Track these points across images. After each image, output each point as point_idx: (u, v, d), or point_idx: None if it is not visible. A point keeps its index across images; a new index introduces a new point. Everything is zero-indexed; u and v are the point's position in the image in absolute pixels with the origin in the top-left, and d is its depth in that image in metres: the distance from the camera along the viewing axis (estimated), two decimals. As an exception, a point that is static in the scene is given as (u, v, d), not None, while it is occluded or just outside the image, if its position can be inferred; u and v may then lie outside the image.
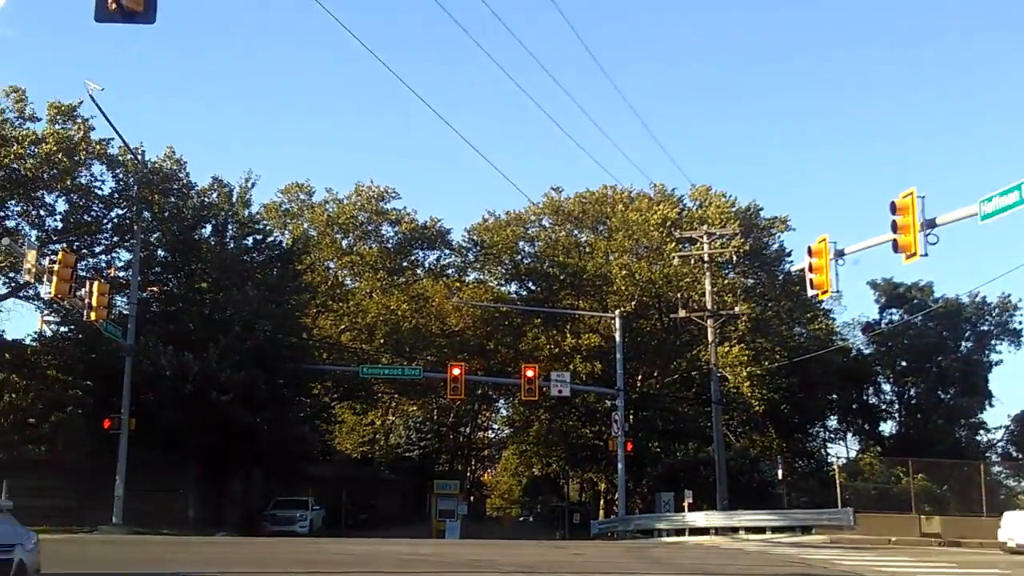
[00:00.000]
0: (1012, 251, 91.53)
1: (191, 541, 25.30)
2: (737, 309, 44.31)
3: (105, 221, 36.73)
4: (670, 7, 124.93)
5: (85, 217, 35.95)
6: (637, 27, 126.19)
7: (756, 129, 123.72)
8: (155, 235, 38.47)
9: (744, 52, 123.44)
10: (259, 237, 42.29)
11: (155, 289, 38.52)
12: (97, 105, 30.55)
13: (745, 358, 46.10)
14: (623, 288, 49.97)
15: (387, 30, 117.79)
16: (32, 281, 28.34)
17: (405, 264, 57.64)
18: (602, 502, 56.24)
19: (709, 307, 42.09)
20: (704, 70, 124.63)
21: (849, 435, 63.25)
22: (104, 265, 37.31)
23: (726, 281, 49.28)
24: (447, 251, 58.34)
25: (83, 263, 34.97)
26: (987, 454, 57.00)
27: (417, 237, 56.51)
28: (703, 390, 48.52)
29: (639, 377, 52.86)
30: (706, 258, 42.28)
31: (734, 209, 51.77)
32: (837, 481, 38.16)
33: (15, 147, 31.69)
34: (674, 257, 45.81)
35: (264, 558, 17.82)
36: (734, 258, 46.96)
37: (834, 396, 59.78)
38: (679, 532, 36.47)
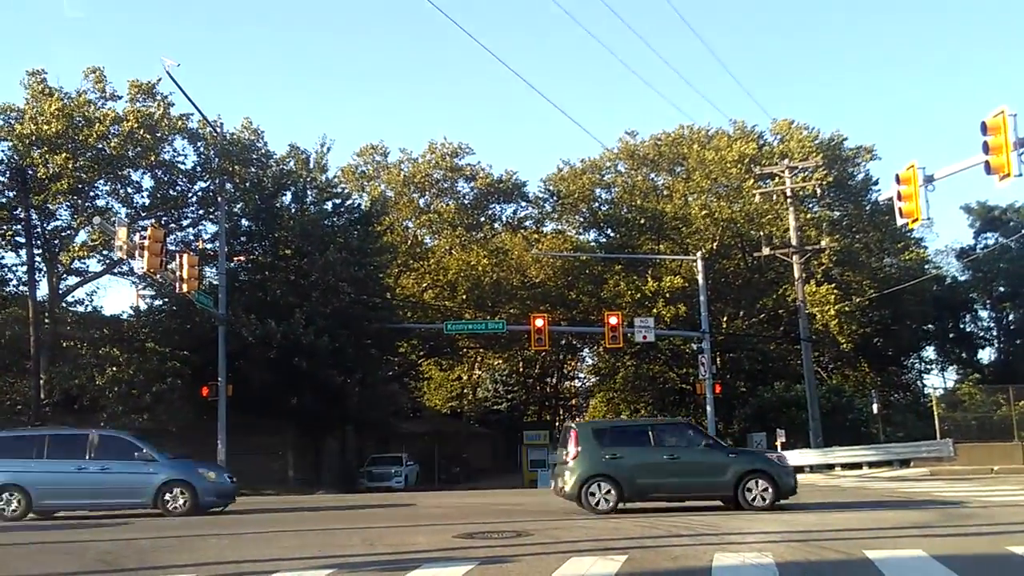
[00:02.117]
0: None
1: (299, 501, 26.13)
2: (823, 243, 43.28)
3: (190, 195, 37.73)
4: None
5: (171, 192, 36.98)
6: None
7: (836, 57, 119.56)
8: (238, 205, 39.37)
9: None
10: (338, 201, 42.91)
11: (242, 258, 39.51)
12: (175, 81, 31.20)
13: (833, 297, 45.10)
14: (703, 229, 49.29)
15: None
16: (125, 257, 29.33)
17: (482, 219, 57.84)
18: (693, 445, 56.00)
19: (794, 243, 41.20)
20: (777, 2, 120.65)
21: (947, 365, 61.76)
22: (192, 238, 38.46)
23: (810, 216, 48.16)
24: (523, 203, 58.37)
25: (172, 237, 36.09)
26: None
27: (493, 191, 56.58)
28: (791, 328, 47.73)
29: (724, 318, 52.26)
30: (788, 193, 41.28)
31: (817, 142, 50.43)
32: (935, 412, 37.31)
33: (98, 126, 32.62)
34: (755, 194, 44.87)
35: (376, 513, 18.32)
36: (818, 191, 45.77)
37: (929, 326, 58.31)
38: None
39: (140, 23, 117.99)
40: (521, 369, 67.60)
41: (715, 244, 49.75)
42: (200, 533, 13.92)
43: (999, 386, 40.81)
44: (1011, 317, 57.97)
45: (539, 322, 39.74)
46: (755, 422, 44.81)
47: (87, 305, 37.24)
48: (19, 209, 33.96)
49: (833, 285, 46.67)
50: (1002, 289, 56.91)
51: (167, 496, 18.48)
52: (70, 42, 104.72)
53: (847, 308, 46.08)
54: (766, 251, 41.98)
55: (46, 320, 34.39)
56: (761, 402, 46.48)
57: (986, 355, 59.44)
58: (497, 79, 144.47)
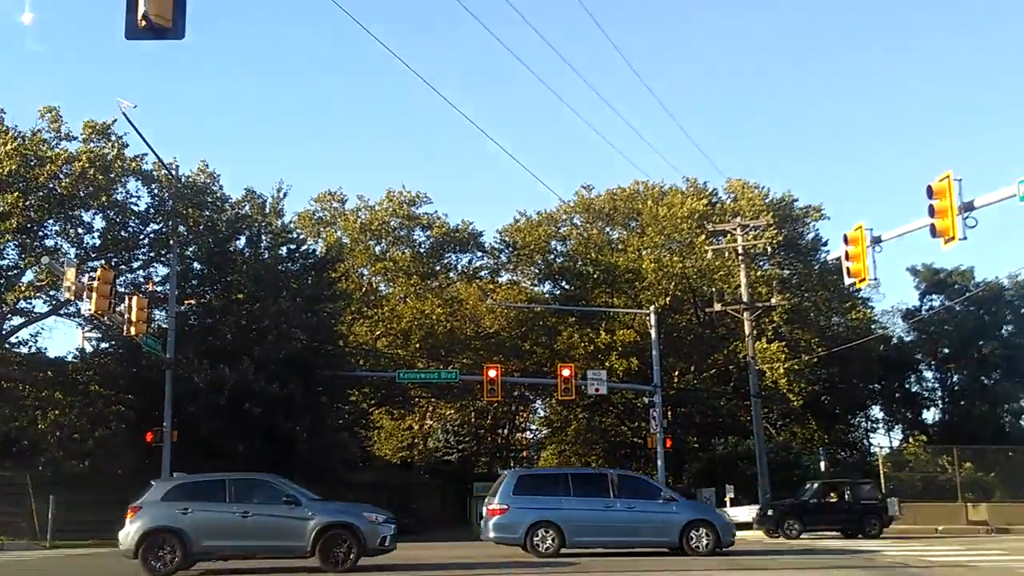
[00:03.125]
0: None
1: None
2: (773, 301, 43.94)
3: (142, 236, 37.23)
4: (696, 2, 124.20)
5: (122, 233, 36.45)
6: (665, 23, 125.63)
7: (788, 120, 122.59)
8: (191, 248, 38.91)
9: (773, 43, 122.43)
10: (293, 247, 42.67)
11: (192, 302, 38.98)
12: (130, 122, 30.95)
13: (782, 355, 45.70)
14: (656, 283, 49.82)
15: (415, 35, 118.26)
16: (72, 298, 28.78)
17: (438, 268, 57.82)
18: (643, 500, 55.88)
19: (745, 300, 41.77)
20: (733, 63, 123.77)
21: (893, 425, 62.60)
22: (142, 280, 37.82)
23: (761, 273, 48.89)
24: (479, 253, 58.49)
25: (121, 279, 35.50)
26: (1033, 439, 56.07)
27: (449, 241, 56.67)
28: (741, 384, 48.16)
29: (676, 372, 52.61)
30: (740, 250, 41.96)
31: (767, 200, 51.41)
32: (881, 471, 37.75)
33: (50, 166, 32.21)
34: (707, 250, 45.53)
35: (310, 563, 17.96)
36: (768, 249, 46.59)
37: (876, 385, 59.17)
38: (722, 527, 36.12)
39: (99, 61, 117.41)
40: (473, 419, 67.15)
41: (668, 299, 50.24)
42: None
43: (944, 447, 41.53)
44: (955, 379, 59.06)
45: (492, 372, 39.73)
46: (705, 477, 44.97)
47: (31, 346, 36.41)
48: (-36, 247, 33.29)
49: (783, 343, 47.29)
50: (947, 351, 58.05)
51: (692, 535, 20.02)
52: (29, 75, 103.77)
53: (796, 366, 46.68)
54: (718, 307, 42.50)
55: (-12, 361, 33.57)
56: (711, 457, 46.69)
57: (931, 416, 60.42)
58: (456, 130, 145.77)
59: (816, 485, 32.56)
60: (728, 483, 39.47)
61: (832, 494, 31.55)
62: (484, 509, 21.51)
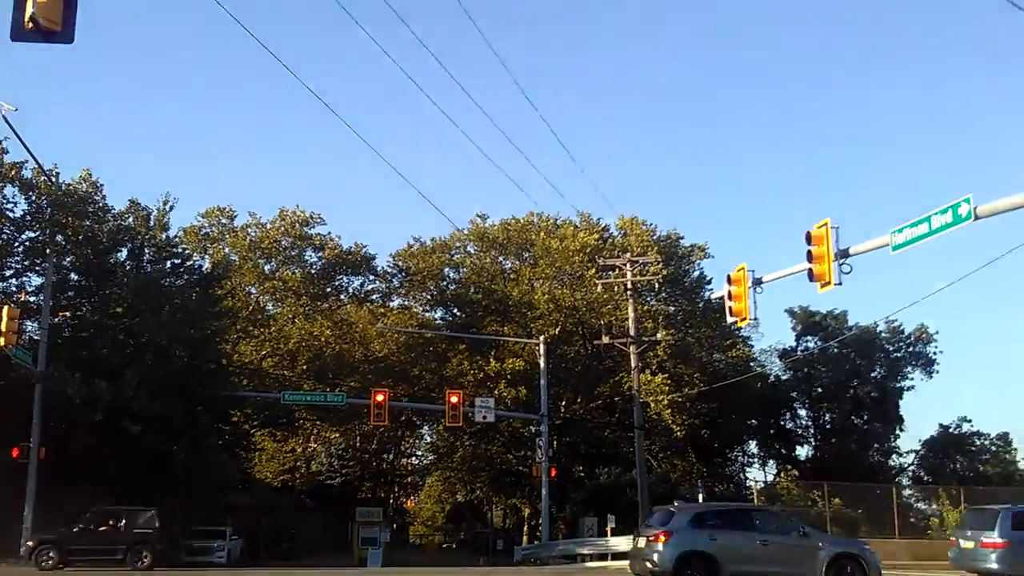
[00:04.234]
0: (924, 279, 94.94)
1: (105, 573, 24.49)
2: (659, 336, 44.92)
3: (16, 244, 35.61)
4: (596, 41, 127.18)
5: (-5, 240, 34.82)
6: (565, 59, 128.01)
7: (677, 161, 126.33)
8: (68, 259, 37.39)
9: (667, 85, 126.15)
10: (177, 261, 41.40)
11: (67, 314, 37.39)
12: (11, 126, 29.58)
13: (666, 387, 46.72)
14: (547, 314, 50.37)
15: (310, 52, 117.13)
16: (-62, 305, 27.32)
17: (329, 290, 57.09)
18: (526, 528, 56.30)
19: (632, 334, 42.60)
20: (629, 103, 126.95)
21: (767, 459, 64.58)
22: (14, 289, 36.10)
23: (647, 308, 49.98)
24: (371, 277, 58.13)
25: (-8, 287, 33.88)
26: (899, 478, 58.75)
27: (341, 263, 56.07)
28: (626, 415, 48.99)
29: (563, 402, 53.19)
30: (628, 285, 42.86)
31: (655, 237, 52.70)
32: (756, 503, 38.89)
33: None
34: (596, 284, 46.34)
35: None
36: (656, 285, 47.73)
37: (753, 421, 60.99)
38: (602, 557, 36.63)
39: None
40: (358, 444, 66.23)
41: (558, 330, 50.85)
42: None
43: (814, 482, 43.05)
44: (827, 417, 61.40)
45: (380, 397, 39.46)
46: (589, 506, 45.43)
47: None
48: None
49: (667, 376, 48.37)
50: (820, 390, 60.36)
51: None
52: None
53: (679, 398, 47.78)
54: (605, 339, 43.22)
55: None
56: (595, 486, 47.22)
57: (803, 452, 62.57)
58: (354, 153, 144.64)
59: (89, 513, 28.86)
60: (610, 512, 39.98)
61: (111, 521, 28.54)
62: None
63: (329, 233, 55.83)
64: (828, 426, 61.24)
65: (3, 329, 26.41)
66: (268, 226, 54.74)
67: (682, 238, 55.31)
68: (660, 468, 52.82)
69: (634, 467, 42.74)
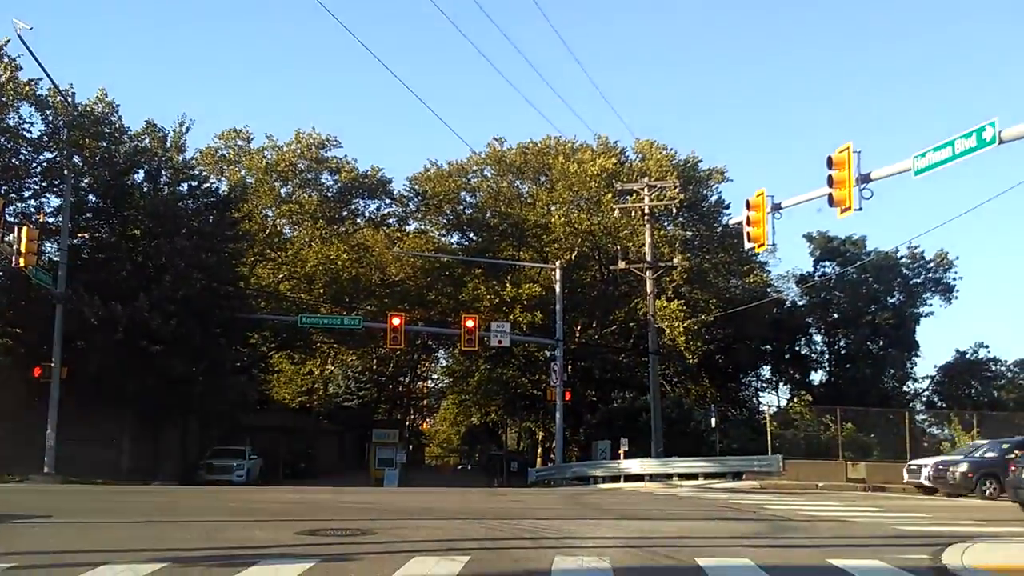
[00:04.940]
0: (946, 206, 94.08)
1: (124, 490, 25.03)
2: (675, 261, 44.79)
3: (34, 165, 35.56)
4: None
5: (13, 160, 34.72)
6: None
7: (698, 83, 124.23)
8: (86, 180, 37.36)
9: (687, 8, 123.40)
10: (194, 184, 41.33)
11: (86, 236, 37.56)
12: (25, 44, 29.61)
13: (681, 313, 46.74)
14: (563, 238, 50.23)
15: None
16: (-43, 226, 27.43)
17: (345, 213, 56.99)
18: (540, 451, 57.11)
19: (648, 259, 42.46)
20: (649, 25, 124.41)
21: (781, 384, 64.93)
22: (33, 210, 36.25)
23: (664, 233, 49.75)
24: (388, 201, 57.91)
25: (11, 208, 33.91)
26: (912, 403, 58.96)
27: (358, 186, 55.85)
28: (641, 341, 49.17)
29: (578, 327, 53.37)
30: (646, 210, 42.54)
31: (673, 162, 52.15)
32: (768, 429, 39.19)
33: (-67, 86, 30.43)
34: (614, 209, 46.05)
35: (199, 507, 17.75)
36: (673, 210, 47.37)
37: (767, 347, 61.16)
38: (615, 479, 37.17)
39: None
40: (375, 367, 67.02)
41: (574, 255, 50.76)
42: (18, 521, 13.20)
43: (827, 407, 43.27)
44: (842, 343, 61.43)
45: (396, 321, 39.64)
46: (603, 430, 45.95)
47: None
48: None
49: (682, 302, 48.37)
50: (835, 316, 60.28)
51: None
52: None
53: (694, 325, 47.84)
54: (622, 265, 43.13)
55: None
56: (609, 411, 47.68)
57: (818, 377, 62.81)
58: (370, 74, 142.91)
59: None
60: (624, 436, 40.43)
61: None
62: None
63: (345, 156, 55.52)
64: (843, 352, 61.31)
65: (23, 250, 26.52)
66: (284, 149, 54.43)
67: (700, 162, 54.77)
68: (674, 393, 53.18)
69: (648, 392, 43.08)
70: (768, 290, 57.95)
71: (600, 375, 53.34)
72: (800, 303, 61.77)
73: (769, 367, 64.45)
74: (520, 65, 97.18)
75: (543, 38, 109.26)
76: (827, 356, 62.52)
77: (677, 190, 45.97)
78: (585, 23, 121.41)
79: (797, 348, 62.44)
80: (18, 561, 9.11)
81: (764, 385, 66.20)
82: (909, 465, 31.70)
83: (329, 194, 55.89)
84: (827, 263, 60.27)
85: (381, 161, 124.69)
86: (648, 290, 42.71)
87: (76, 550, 10.09)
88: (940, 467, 28.61)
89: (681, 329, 46.59)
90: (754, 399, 65.07)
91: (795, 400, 52.14)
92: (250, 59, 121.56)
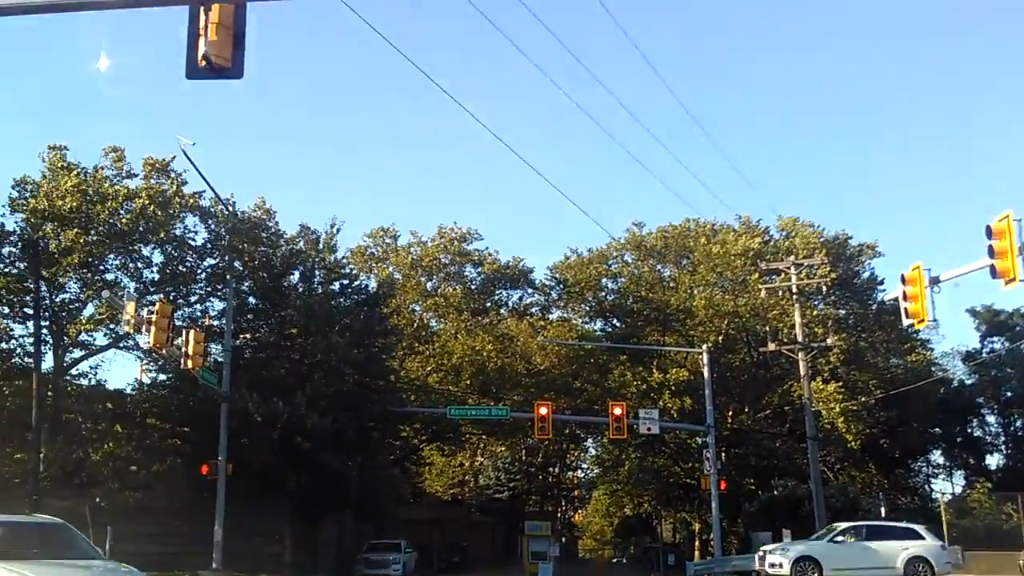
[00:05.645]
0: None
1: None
2: (829, 341, 43.12)
3: (199, 271, 37.77)
4: (751, 39, 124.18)
5: (180, 268, 37.02)
6: (716, 61, 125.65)
7: (839, 159, 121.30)
8: (246, 283, 39.42)
9: (827, 83, 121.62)
10: (345, 282, 43.04)
11: (247, 336, 39.44)
12: (189, 159, 31.71)
13: (839, 395, 44.78)
14: (708, 321, 49.30)
15: (465, 73, 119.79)
16: (131, 332, 29.22)
17: (488, 304, 57.88)
18: (697, 542, 55.11)
19: (799, 339, 41.08)
20: (787, 102, 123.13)
21: (954, 470, 60.96)
22: (199, 314, 38.32)
23: (816, 312, 48.14)
24: (530, 290, 58.52)
25: (179, 312, 35.90)
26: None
27: (500, 277, 56.79)
28: (797, 425, 47.28)
29: (729, 412, 51.84)
30: (794, 289, 41.34)
31: (821, 239, 50.72)
32: (944, 519, 36.67)
33: (111, 203, 32.92)
34: (760, 289, 44.97)
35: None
36: (823, 288, 45.84)
37: (936, 429, 57.70)
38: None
39: (159, 99, 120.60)
40: (524, 457, 66.83)
41: (721, 337, 49.65)
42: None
43: (1008, 494, 40.21)
44: (1019, 423, 57.40)
45: (543, 410, 39.46)
46: (762, 520, 43.98)
47: (91, 379, 36.97)
48: (29, 281, 34.02)
49: (839, 383, 46.37)
50: (1009, 394, 56.47)
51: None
52: (100, 117, 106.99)
53: (853, 407, 45.69)
54: (772, 346, 41.86)
55: (49, 393, 34.17)
56: (768, 499, 45.72)
57: (994, 461, 58.73)
58: (507, 167, 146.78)
59: None
60: (785, 527, 38.57)
61: None
62: None
63: (487, 248, 56.74)
64: (1020, 433, 57.13)
65: (191, 352, 27.91)
66: (428, 244, 56.12)
67: (850, 238, 53.02)
68: (837, 480, 50.58)
69: (808, 479, 41.15)
70: (932, 369, 54.90)
71: (756, 462, 51.37)
72: (968, 382, 58.25)
73: (940, 452, 60.70)
74: (656, 149, 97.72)
75: (678, 119, 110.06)
76: (1003, 438, 58.43)
77: (827, 267, 44.57)
78: (721, 101, 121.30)
79: (969, 430, 58.69)
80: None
81: (936, 471, 62.33)
82: None
83: (472, 286, 57.01)
84: (995, 338, 56.86)
85: (521, 251, 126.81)
86: (801, 372, 41.20)
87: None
88: None
89: (839, 411, 44.55)
90: (925, 486, 61.24)
91: (974, 487, 48.71)
92: (390, 157, 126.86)
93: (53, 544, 13.33)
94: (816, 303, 49.46)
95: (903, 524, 31.08)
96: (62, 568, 12.30)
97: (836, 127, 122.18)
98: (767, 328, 46.30)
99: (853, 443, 46.94)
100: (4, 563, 11.54)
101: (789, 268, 41.75)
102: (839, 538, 28.57)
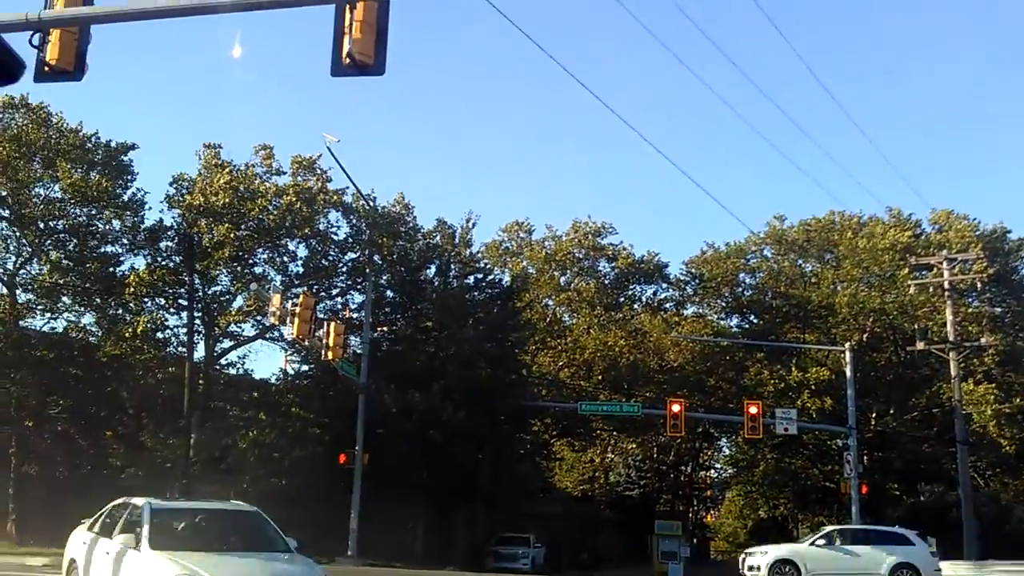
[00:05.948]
0: None
1: (422, 575, 25.97)
2: (983, 340, 40.80)
3: (340, 265, 39.10)
4: (897, 22, 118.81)
5: (323, 262, 38.41)
6: (862, 46, 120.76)
7: (1000, 148, 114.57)
8: (385, 277, 40.49)
9: (979, 69, 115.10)
10: (480, 276, 43.55)
11: (384, 329, 40.42)
12: (334, 156, 32.78)
13: (992, 398, 42.34)
14: (852, 319, 47.44)
15: (603, 65, 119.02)
16: (277, 323, 30.44)
17: (622, 299, 57.49)
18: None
19: (951, 339, 39.04)
20: (939, 88, 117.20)
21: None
22: (340, 307, 39.65)
23: (970, 310, 45.67)
24: (664, 285, 57.78)
25: (321, 305, 37.25)
26: None
27: (634, 272, 56.30)
28: (946, 429, 45.00)
29: (873, 414, 49.75)
30: (946, 285, 39.30)
31: (978, 233, 48.08)
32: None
33: (261, 200, 34.39)
34: (909, 285, 42.92)
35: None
36: (979, 285, 43.40)
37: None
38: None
39: (304, 90, 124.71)
40: (655, 455, 65.97)
41: (865, 335, 47.72)
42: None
43: None
44: None
45: (675, 407, 38.82)
46: (907, 527, 42.05)
47: (238, 368, 38.71)
48: (183, 274, 35.86)
49: (994, 385, 43.86)
50: None
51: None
52: (239, 104, 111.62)
53: (1008, 409, 43.14)
54: (920, 345, 39.94)
55: (200, 381, 35.89)
56: (914, 505, 43.75)
57: None
58: (646, 160, 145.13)
59: None
60: (931, 535, 36.73)
61: None
62: None
63: (621, 243, 56.32)
64: None
65: (331, 344, 28.78)
66: (563, 238, 56.11)
67: (1009, 232, 50.08)
68: (988, 487, 47.89)
69: (957, 485, 39.13)
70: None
71: (901, 466, 49.13)
72: None
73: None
74: (798, 138, 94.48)
75: (822, 108, 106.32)
76: None
77: (983, 262, 42.16)
78: (870, 88, 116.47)
79: None
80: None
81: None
82: None
83: (606, 281, 56.72)
84: None
85: (656, 246, 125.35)
86: (952, 373, 39.17)
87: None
88: None
89: (990, 413, 42.14)
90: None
91: None
92: (527, 151, 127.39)
93: (246, 533, 13.10)
94: (970, 300, 46.94)
95: (894, 529, 30.91)
96: (237, 562, 11.86)
97: (997, 117, 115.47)
98: (916, 326, 44.18)
99: (1008, 448, 44.36)
100: (180, 554, 11.29)
101: (941, 263, 39.70)
102: (821, 541, 28.34)
